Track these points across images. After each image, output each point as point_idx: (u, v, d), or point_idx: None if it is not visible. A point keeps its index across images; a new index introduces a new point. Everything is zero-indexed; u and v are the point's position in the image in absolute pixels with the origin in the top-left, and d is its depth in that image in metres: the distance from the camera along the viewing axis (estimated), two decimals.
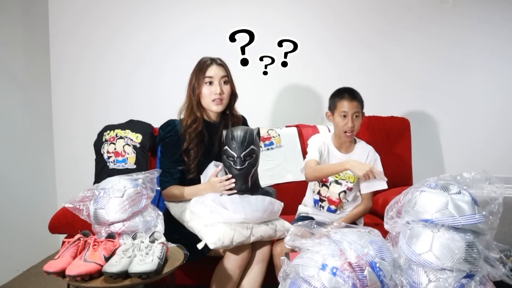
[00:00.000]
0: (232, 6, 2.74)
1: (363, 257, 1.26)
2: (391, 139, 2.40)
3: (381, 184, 1.91)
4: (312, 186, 2.04)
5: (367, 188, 1.95)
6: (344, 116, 1.90)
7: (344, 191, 1.96)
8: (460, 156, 2.73)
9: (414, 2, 2.70)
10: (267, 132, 2.44)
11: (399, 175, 2.38)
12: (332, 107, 1.96)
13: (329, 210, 1.98)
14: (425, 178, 1.42)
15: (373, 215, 2.14)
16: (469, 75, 2.72)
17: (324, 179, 1.97)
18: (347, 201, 1.98)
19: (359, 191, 2.00)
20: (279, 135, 2.44)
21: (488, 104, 2.72)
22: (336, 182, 1.97)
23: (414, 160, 2.44)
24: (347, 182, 1.96)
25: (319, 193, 2.01)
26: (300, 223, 1.46)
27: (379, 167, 1.97)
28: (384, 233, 1.43)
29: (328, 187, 1.98)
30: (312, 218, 1.98)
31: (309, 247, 1.34)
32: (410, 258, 1.32)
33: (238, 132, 1.71)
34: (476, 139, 2.73)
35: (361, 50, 2.73)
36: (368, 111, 2.51)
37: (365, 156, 1.98)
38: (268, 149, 2.42)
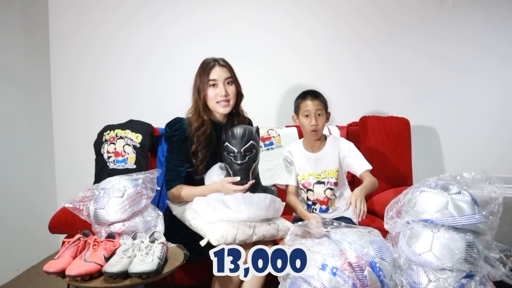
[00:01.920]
0: (232, 6, 2.74)
1: (363, 257, 1.26)
2: (391, 139, 2.40)
3: (366, 164, 1.96)
4: (301, 195, 2.06)
5: (358, 169, 1.96)
6: (307, 115, 1.96)
7: (330, 188, 1.99)
8: (460, 156, 2.73)
9: (414, 2, 2.70)
10: (267, 132, 2.44)
11: (399, 175, 2.38)
12: (297, 109, 2.03)
13: (321, 210, 2.00)
14: (425, 178, 1.43)
15: (373, 215, 2.14)
16: (469, 75, 2.72)
17: (306, 184, 2.01)
18: (335, 197, 2.01)
19: (345, 189, 2.04)
20: (279, 135, 2.44)
21: (488, 104, 2.72)
22: (318, 182, 2.00)
23: (414, 160, 2.43)
24: (328, 178, 1.99)
25: (307, 199, 2.03)
26: (300, 223, 1.46)
27: (358, 153, 2.00)
28: (384, 233, 1.43)
29: (312, 190, 2.00)
30: None
31: (309, 247, 1.34)
32: (410, 258, 1.32)
33: (238, 130, 1.73)
34: (476, 139, 2.72)
35: (361, 50, 2.73)
36: (368, 111, 2.53)
37: (336, 150, 2.01)
38: (268, 149, 2.42)
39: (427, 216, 1.32)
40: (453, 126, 2.73)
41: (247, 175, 1.73)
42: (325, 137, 2.06)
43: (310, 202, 2.02)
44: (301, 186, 2.03)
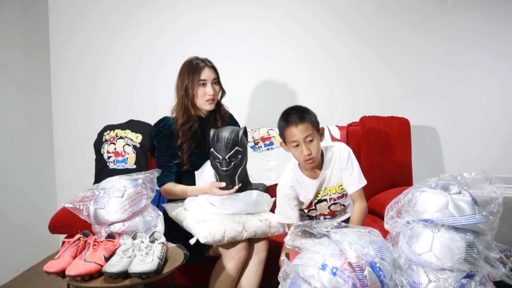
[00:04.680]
0: (232, 6, 2.73)
1: (363, 257, 1.26)
2: (391, 139, 2.40)
3: (361, 181, 1.77)
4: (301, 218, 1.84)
5: (350, 188, 1.78)
6: (297, 145, 1.67)
7: (334, 203, 1.84)
8: (460, 156, 2.73)
9: (414, 2, 2.69)
10: (267, 132, 2.44)
11: (399, 175, 2.38)
12: (282, 137, 1.74)
13: (325, 219, 1.89)
14: (425, 178, 1.42)
15: (373, 215, 2.14)
16: (469, 75, 2.71)
17: (308, 206, 1.83)
18: (344, 206, 1.88)
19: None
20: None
21: (488, 104, 2.71)
22: (320, 201, 1.82)
23: (414, 160, 2.43)
24: (330, 195, 1.81)
25: (308, 215, 1.88)
26: (300, 223, 1.45)
27: (354, 167, 1.77)
28: (384, 233, 1.43)
29: (316, 209, 1.84)
30: None
31: (309, 247, 1.34)
32: (410, 258, 1.32)
33: (223, 134, 1.77)
34: (476, 139, 2.72)
35: (361, 50, 2.73)
36: (369, 111, 2.53)
37: (337, 164, 1.78)
38: (268, 149, 2.42)
39: (427, 216, 1.32)
40: (453, 126, 2.73)
41: (232, 180, 1.78)
42: (322, 155, 1.79)
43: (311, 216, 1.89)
44: (304, 210, 1.85)
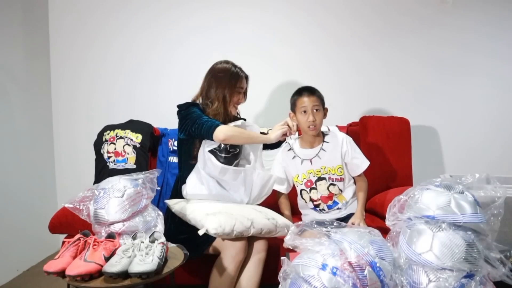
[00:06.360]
0: (232, 9, 2.74)
1: (363, 257, 1.26)
2: (391, 139, 2.40)
3: (364, 162, 1.98)
4: (303, 203, 2.05)
5: (354, 171, 1.99)
6: (305, 111, 1.93)
7: (333, 184, 1.96)
8: (460, 156, 2.73)
9: (413, 3, 2.70)
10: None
11: (399, 175, 2.38)
12: (293, 106, 2.00)
13: (330, 207, 1.98)
14: (425, 178, 1.44)
15: (373, 215, 2.14)
16: (468, 76, 2.72)
17: (308, 184, 1.99)
18: (341, 191, 1.98)
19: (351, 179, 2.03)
20: None
21: (487, 105, 2.72)
22: (319, 178, 1.97)
23: (414, 160, 2.44)
24: (329, 174, 1.97)
25: (311, 199, 2.01)
26: (300, 222, 1.46)
27: (356, 152, 1.99)
28: (384, 233, 1.43)
29: (316, 188, 1.98)
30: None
31: (309, 247, 1.34)
32: (410, 258, 1.32)
33: None
34: (475, 139, 2.72)
35: (360, 52, 2.73)
36: (368, 111, 2.53)
37: (338, 146, 1.98)
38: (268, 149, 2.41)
39: (429, 212, 1.32)
40: (453, 126, 2.74)
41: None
42: (323, 134, 2.04)
43: (312, 205, 2.00)
44: (303, 187, 2.00)
